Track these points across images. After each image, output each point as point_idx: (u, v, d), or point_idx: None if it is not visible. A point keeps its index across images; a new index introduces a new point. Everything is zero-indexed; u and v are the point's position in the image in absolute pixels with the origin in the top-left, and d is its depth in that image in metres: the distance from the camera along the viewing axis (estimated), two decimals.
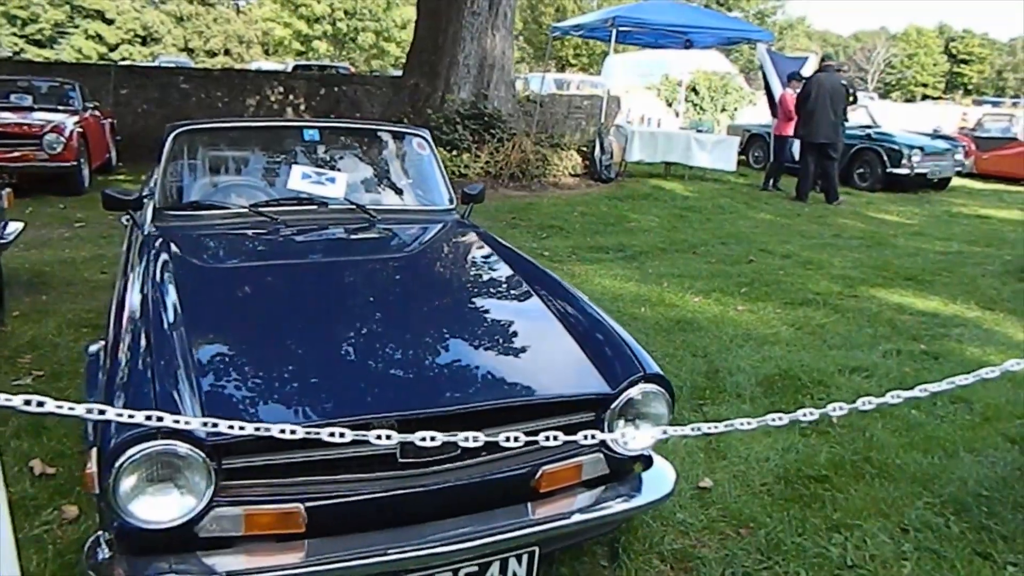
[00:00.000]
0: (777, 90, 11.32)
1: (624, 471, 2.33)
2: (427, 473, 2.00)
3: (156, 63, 24.50)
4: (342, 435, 1.62)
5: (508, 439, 1.74)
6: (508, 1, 10.15)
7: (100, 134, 9.84)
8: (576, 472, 2.20)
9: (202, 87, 12.45)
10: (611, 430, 2.18)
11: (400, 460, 1.97)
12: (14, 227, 4.85)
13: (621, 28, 10.60)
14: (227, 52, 52.96)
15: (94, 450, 1.86)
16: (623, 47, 13.95)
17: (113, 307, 2.49)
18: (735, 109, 15.93)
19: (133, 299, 2.45)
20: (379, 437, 1.63)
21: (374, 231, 3.17)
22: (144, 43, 51.73)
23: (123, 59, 41.54)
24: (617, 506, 2.23)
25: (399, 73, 13.63)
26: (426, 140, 3.65)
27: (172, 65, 18.47)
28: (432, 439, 1.64)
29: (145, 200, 3.24)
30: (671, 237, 7.60)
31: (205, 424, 1.55)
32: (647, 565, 2.52)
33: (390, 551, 1.91)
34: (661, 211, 8.97)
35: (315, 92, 12.94)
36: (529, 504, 2.12)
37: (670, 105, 14.96)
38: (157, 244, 2.85)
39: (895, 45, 63.54)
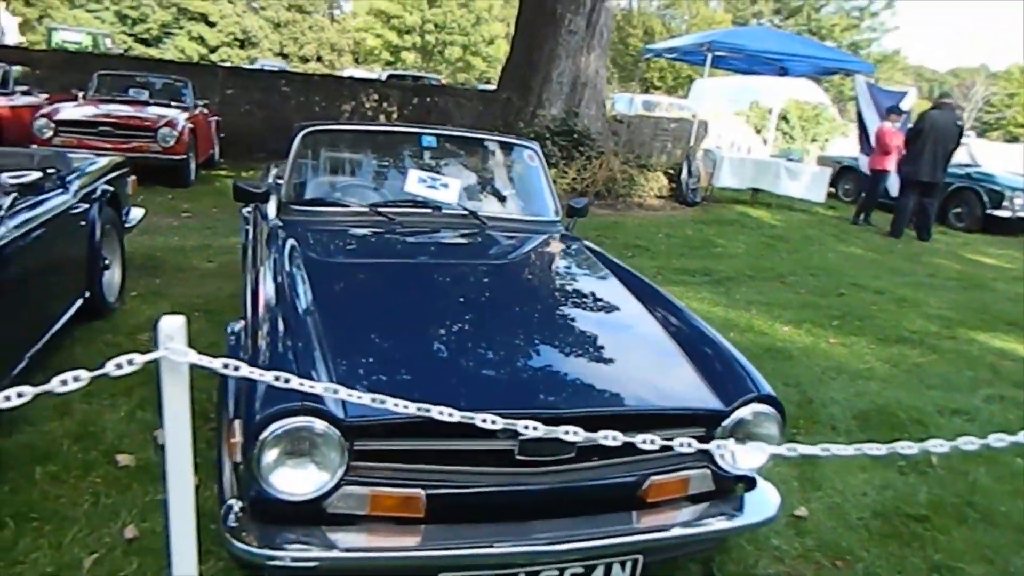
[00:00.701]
0: (874, 123, 11.06)
1: (727, 490, 2.35)
2: (542, 473, 2.06)
3: (258, 66, 25.50)
4: (493, 422, 1.69)
5: (644, 441, 1.78)
6: (605, 21, 10.25)
7: (207, 130, 10.34)
8: (683, 486, 2.23)
9: (302, 91, 12.95)
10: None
11: (517, 457, 2.04)
12: (137, 213, 5.17)
13: (717, 53, 10.56)
14: (319, 59, 54.69)
15: (238, 422, 2.00)
16: (713, 71, 13.86)
17: (248, 291, 2.65)
18: (826, 140, 15.61)
19: (267, 285, 2.60)
20: (527, 428, 1.70)
21: (485, 236, 3.27)
22: (242, 46, 53.87)
23: (222, 60, 43.34)
24: (720, 524, 2.25)
25: (485, 86, 13.83)
26: (536, 152, 3.75)
27: (275, 69, 19.23)
28: (575, 433, 1.69)
29: (271, 194, 3.42)
30: (758, 264, 7.51)
31: (383, 402, 1.61)
32: None
33: (503, 544, 1.98)
34: (748, 238, 8.87)
35: (408, 101, 13.30)
36: (635, 512, 2.17)
37: (759, 132, 14.78)
38: (284, 236, 3.01)
39: (995, 83, 60.98)
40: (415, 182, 3.41)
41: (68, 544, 2.40)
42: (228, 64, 20.04)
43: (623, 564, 2.10)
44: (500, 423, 1.76)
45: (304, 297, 2.46)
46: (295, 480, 1.90)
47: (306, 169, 3.45)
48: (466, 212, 3.35)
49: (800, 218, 10.79)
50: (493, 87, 14.52)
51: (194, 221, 7.42)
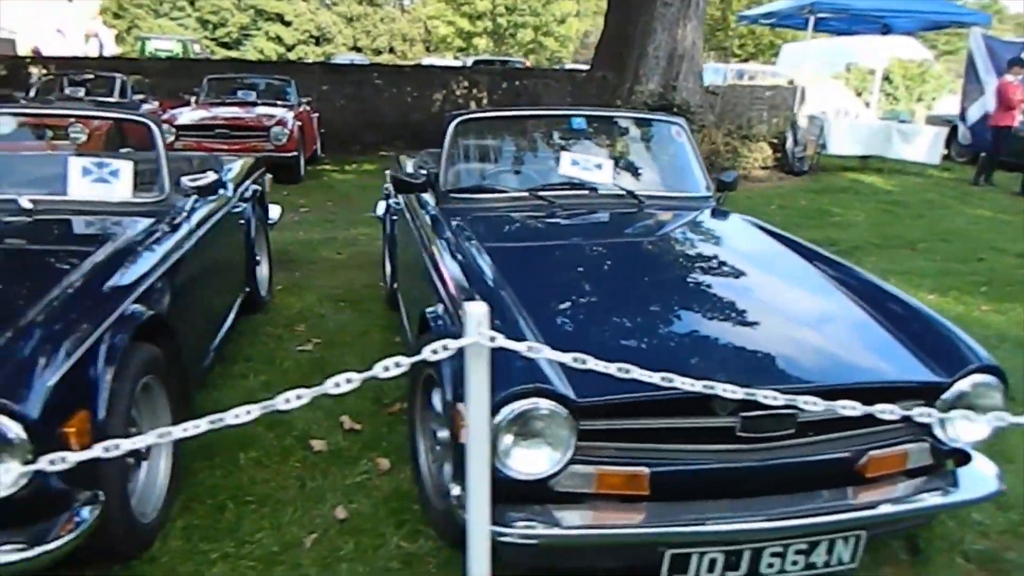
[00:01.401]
0: (991, 79, 10.43)
1: (941, 464, 2.29)
2: (763, 449, 2.05)
3: (347, 61, 26.05)
4: (734, 392, 1.69)
5: (884, 412, 1.75)
6: None
7: (310, 127, 10.64)
8: (902, 460, 2.18)
9: (393, 83, 13.15)
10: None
11: (739, 434, 2.03)
12: (275, 210, 5.37)
13: (820, 15, 10.15)
14: (391, 50, 55.38)
15: (459, 404, 2.06)
16: (808, 34, 13.32)
17: (434, 277, 2.71)
18: (933, 99, 14.83)
19: (451, 269, 2.66)
20: (766, 397, 1.70)
21: (645, 215, 3.26)
22: (318, 43, 55.01)
23: (299, 58, 44.34)
24: (936, 499, 2.19)
25: (573, 66, 13.69)
26: (683, 128, 3.70)
27: (364, 63, 19.62)
28: (814, 404, 1.67)
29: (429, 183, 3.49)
30: (883, 232, 7.22)
31: (628, 372, 1.62)
32: (950, 563, 2.45)
33: (727, 521, 1.98)
34: (865, 205, 8.54)
35: (497, 86, 13.33)
36: (853, 488, 2.13)
37: (859, 95, 14.16)
38: (453, 223, 3.08)
39: None
40: (568, 164, 3.42)
41: (286, 524, 2.53)
42: (322, 60, 20.50)
43: (846, 540, 2.07)
44: (740, 392, 1.76)
45: (493, 278, 2.52)
46: (529, 460, 1.94)
47: (461, 157, 3.50)
48: (623, 192, 3.35)
49: (916, 182, 10.31)
50: (573, 65, 14.35)
51: (312, 215, 7.66)
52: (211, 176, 3.44)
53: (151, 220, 3.06)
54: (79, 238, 3.00)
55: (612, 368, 1.66)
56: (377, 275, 5.36)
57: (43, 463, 1.54)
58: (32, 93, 9.88)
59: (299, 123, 9.39)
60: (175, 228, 3.13)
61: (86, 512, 1.98)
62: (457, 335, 2.22)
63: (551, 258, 2.87)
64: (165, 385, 2.57)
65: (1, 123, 3.30)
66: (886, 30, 11.72)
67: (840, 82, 14.12)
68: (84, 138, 3.90)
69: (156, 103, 10.93)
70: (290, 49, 52.32)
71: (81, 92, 9.79)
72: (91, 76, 10.29)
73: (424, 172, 3.61)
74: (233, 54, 48.59)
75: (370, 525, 2.55)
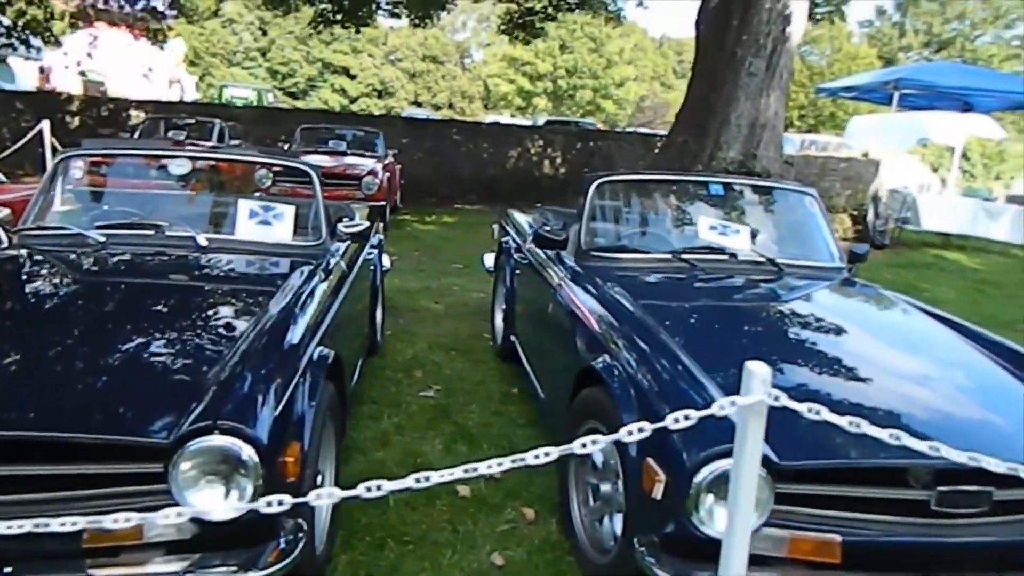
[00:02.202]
0: None
1: None
2: (959, 525, 2.04)
3: (406, 115, 26.89)
4: (971, 458, 1.68)
5: None
6: (785, 63, 10.14)
7: (394, 178, 10.97)
8: None
9: (471, 138, 13.53)
10: None
11: (933, 508, 2.03)
12: (387, 259, 5.54)
13: (904, 91, 10.22)
14: (450, 106, 56.90)
15: (651, 460, 2.10)
16: (893, 108, 13.32)
17: (594, 330, 2.78)
18: (1011, 177, 14.65)
19: (609, 323, 2.74)
20: (996, 465, 1.69)
21: (786, 282, 3.31)
22: (380, 96, 56.85)
23: (362, 110, 45.76)
24: None
25: (631, 129, 13.86)
26: (815, 198, 3.77)
27: (439, 119, 20.22)
28: None
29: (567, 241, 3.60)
30: (977, 312, 7.08)
31: (860, 425, 1.63)
32: None
33: None
34: (953, 283, 8.43)
35: (571, 146, 13.62)
36: None
37: (935, 171, 14.06)
38: (597, 279, 3.17)
39: None
40: (707, 229, 3.50)
41: (446, 567, 2.58)
42: (404, 115, 21.19)
43: None
44: (1003, 467, 1.74)
45: (656, 332, 2.58)
46: (724, 519, 1.97)
47: (601, 216, 3.61)
48: (762, 259, 3.40)
49: (1001, 261, 10.15)
50: (631, 128, 14.49)
51: (404, 264, 7.84)
52: (364, 224, 3.60)
53: (312, 263, 3.21)
54: (257, 277, 3.15)
55: (884, 434, 1.66)
56: (479, 326, 5.47)
57: (261, 504, 1.54)
58: (136, 135, 10.40)
59: (388, 174, 9.69)
60: (328, 271, 3.28)
61: (293, 542, 2.06)
62: (647, 392, 2.28)
63: (709, 318, 2.93)
64: (334, 420, 2.68)
65: (179, 164, 3.51)
66: (967, 108, 11.72)
67: (916, 157, 14.04)
68: (269, 182, 4.12)
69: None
70: (353, 101, 54.10)
71: (182, 135, 10.28)
72: (192, 121, 10.81)
73: (562, 229, 3.72)
74: (299, 104, 50.45)
75: (529, 573, 2.58)
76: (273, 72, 56.39)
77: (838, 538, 2.01)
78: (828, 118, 33.82)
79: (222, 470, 1.92)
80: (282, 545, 2.05)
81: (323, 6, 13.63)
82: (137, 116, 13.14)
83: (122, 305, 2.67)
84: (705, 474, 1.95)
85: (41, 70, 22.16)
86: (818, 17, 11.71)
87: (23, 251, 3.13)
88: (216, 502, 1.90)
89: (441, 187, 13.11)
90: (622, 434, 1.66)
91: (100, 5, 13.50)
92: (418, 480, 1.59)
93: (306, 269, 3.10)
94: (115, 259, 3.06)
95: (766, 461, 1.96)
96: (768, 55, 9.92)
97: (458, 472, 1.63)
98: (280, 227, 3.43)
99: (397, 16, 14.63)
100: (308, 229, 3.52)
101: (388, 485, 1.59)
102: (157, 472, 1.91)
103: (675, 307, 3.01)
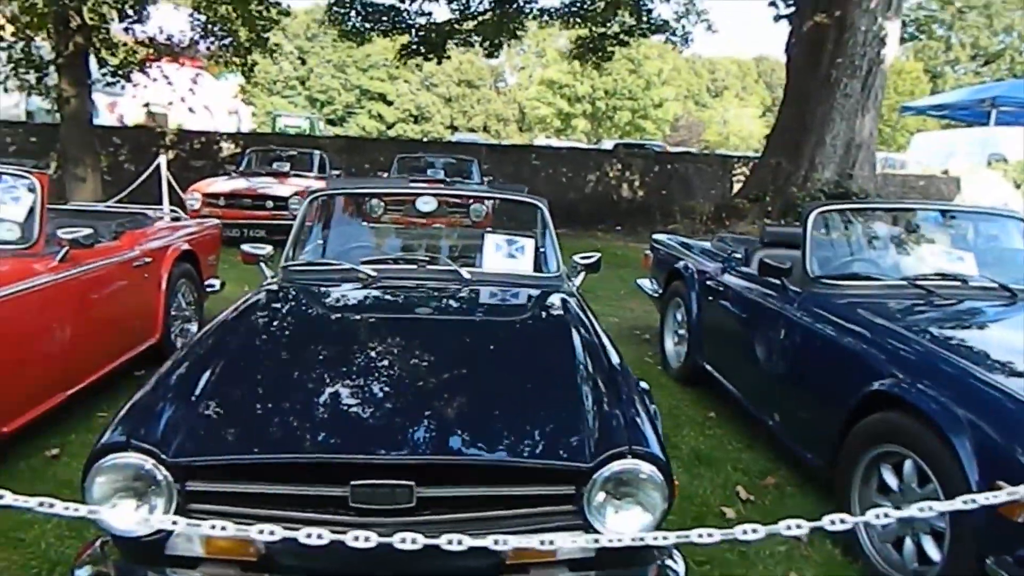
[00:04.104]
0: None
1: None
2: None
3: (456, 139, 27.36)
4: None
5: None
6: (880, 83, 10.27)
7: None
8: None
9: (550, 163, 13.75)
10: None
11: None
12: None
13: (1002, 108, 10.26)
14: (485, 129, 57.48)
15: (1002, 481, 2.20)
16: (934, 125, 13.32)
17: (864, 356, 2.90)
18: None
19: (892, 347, 2.87)
20: None
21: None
22: (416, 121, 57.60)
23: (398, 135, 46.36)
24: None
25: (723, 152, 14.00)
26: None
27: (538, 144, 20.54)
28: None
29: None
30: None
31: None
32: None
33: None
34: None
35: (649, 169, 13.78)
36: None
37: (1018, 187, 14.01)
38: (839, 304, 3.30)
39: None
40: (934, 255, 3.61)
41: None
42: (491, 143, 21.64)
43: None
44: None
45: (959, 358, 2.69)
46: None
47: (826, 245, 3.73)
48: (994, 284, 3.47)
49: None
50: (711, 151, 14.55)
51: None
52: (596, 256, 3.75)
53: (564, 294, 3.36)
54: (537, 307, 3.24)
55: None
56: (637, 350, 5.57)
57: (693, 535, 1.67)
58: (243, 166, 10.75)
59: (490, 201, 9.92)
60: (581, 299, 3.41)
61: (672, 564, 2.19)
62: (980, 413, 2.37)
63: (982, 343, 3.02)
64: None
65: (426, 202, 3.71)
66: None
67: (998, 173, 14.00)
68: (482, 216, 4.31)
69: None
70: (390, 127, 54.84)
71: (286, 167, 10.60)
72: (294, 152, 11.15)
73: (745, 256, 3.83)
74: (337, 130, 51.37)
75: None
76: (312, 100, 57.45)
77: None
78: (887, 136, 33.64)
79: (630, 492, 2.05)
80: (666, 569, 2.18)
81: (405, 39, 14.03)
82: (228, 148, 13.58)
83: (442, 336, 2.83)
84: None
85: (111, 105, 22.90)
86: (906, 38, 11.77)
87: (299, 286, 3.29)
88: (629, 524, 2.03)
89: None
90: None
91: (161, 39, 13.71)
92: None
93: (571, 300, 3.25)
94: (400, 293, 3.22)
95: None
96: (864, 76, 10.06)
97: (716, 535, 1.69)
98: (523, 260, 3.59)
99: (471, 45, 14.97)
100: (542, 261, 3.67)
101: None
102: (568, 494, 2.05)
103: (943, 331, 3.09)
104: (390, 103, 57.03)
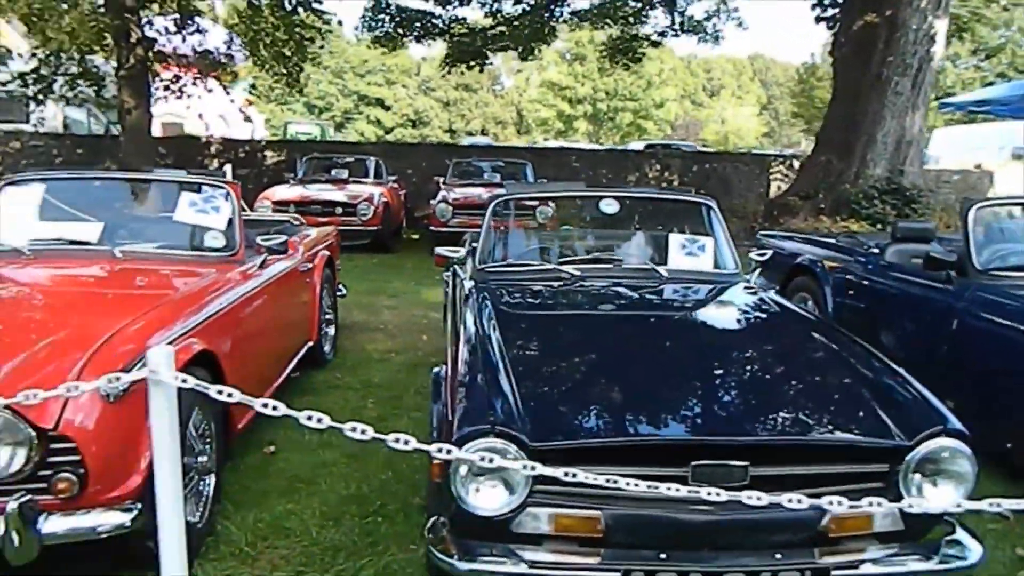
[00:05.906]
0: None
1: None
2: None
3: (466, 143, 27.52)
4: None
5: None
6: (930, 80, 10.49)
7: None
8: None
9: (590, 165, 13.91)
10: None
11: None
12: None
13: None
14: (483, 132, 57.61)
15: None
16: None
17: None
18: None
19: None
20: None
21: None
22: (414, 126, 57.65)
23: (397, 140, 46.37)
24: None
25: (759, 150, 14.18)
26: None
27: (567, 146, 20.75)
28: None
29: None
30: None
31: None
32: None
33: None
34: None
35: (688, 169, 13.96)
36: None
37: None
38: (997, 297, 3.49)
39: None
40: None
41: None
42: (529, 146, 21.82)
43: None
44: None
45: None
46: None
47: (987, 239, 3.90)
48: None
49: None
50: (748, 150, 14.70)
51: None
52: (770, 252, 3.92)
53: (759, 288, 3.53)
54: (740, 300, 3.40)
55: None
56: None
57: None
58: (301, 174, 10.87)
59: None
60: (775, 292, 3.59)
61: (961, 537, 2.32)
62: None
63: None
64: None
65: (609, 203, 3.86)
66: None
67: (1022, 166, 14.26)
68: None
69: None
70: (388, 132, 54.80)
71: (344, 173, 10.72)
72: (351, 159, 11.28)
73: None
74: (337, 136, 51.42)
75: None
76: (310, 106, 57.34)
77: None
78: None
79: (939, 468, 2.20)
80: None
81: (443, 47, 14.19)
82: (272, 156, 13.69)
83: (696, 328, 3.06)
84: None
85: None
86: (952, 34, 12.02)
87: (495, 285, 3.38)
88: (944, 498, 2.18)
89: None
90: None
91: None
92: None
93: (771, 292, 3.43)
94: (609, 291, 3.38)
95: None
96: (914, 74, 10.26)
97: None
98: (704, 257, 3.74)
99: (504, 50, 15.12)
100: (721, 258, 3.82)
101: None
102: (882, 472, 2.20)
103: None
104: (388, 108, 57.03)
